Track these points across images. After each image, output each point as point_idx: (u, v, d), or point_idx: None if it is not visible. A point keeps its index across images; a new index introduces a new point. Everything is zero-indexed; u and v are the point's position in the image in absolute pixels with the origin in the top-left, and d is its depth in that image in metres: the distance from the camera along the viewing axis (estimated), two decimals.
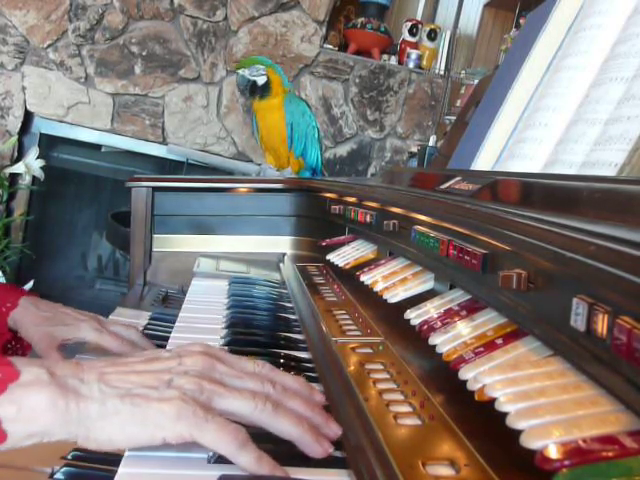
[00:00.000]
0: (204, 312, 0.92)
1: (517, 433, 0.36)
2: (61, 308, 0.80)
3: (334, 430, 0.50)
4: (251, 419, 0.48)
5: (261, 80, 1.73)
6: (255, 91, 1.75)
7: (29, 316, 0.78)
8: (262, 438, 0.50)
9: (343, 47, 3.18)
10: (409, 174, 1.20)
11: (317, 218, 1.33)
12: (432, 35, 3.24)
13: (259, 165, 2.82)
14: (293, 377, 0.55)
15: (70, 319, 0.78)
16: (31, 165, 2.71)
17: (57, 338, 0.76)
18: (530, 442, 0.35)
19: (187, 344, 0.55)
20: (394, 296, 0.73)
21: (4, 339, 0.79)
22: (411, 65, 3.15)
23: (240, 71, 1.76)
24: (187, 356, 0.51)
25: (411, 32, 3.20)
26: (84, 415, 0.44)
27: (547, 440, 0.34)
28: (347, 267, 0.97)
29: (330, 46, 3.08)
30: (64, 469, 0.50)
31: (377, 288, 0.77)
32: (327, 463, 0.48)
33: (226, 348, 0.64)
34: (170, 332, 0.81)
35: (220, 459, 0.48)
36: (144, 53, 2.89)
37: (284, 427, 0.48)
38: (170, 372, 0.49)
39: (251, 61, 1.78)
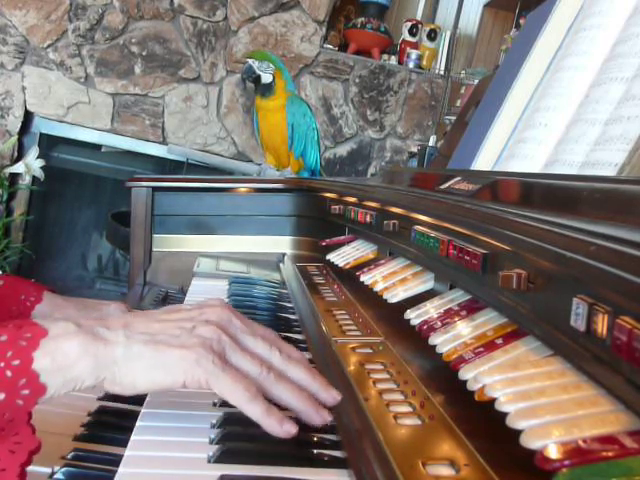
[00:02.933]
0: None
1: (517, 433, 0.36)
2: (85, 300, 0.83)
3: (333, 395, 0.52)
4: (255, 381, 0.50)
5: (266, 78, 1.72)
6: (257, 84, 1.75)
7: (59, 308, 0.80)
8: (263, 438, 0.50)
9: (343, 47, 3.18)
10: (409, 174, 1.20)
11: (317, 218, 1.33)
12: (432, 35, 3.24)
13: (259, 165, 2.82)
14: (294, 348, 0.57)
15: (99, 305, 0.81)
16: (31, 165, 2.71)
17: None
18: (530, 442, 0.35)
19: (206, 299, 0.58)
20: (394, 296, 0.73)
21: None
22: (411, 65, 3.15)
23: (250, 60, 1.75)
24: (207, 307, 0.54)
25: (411, 32, 3.20)
26: (111, 359, 0.46)
27: (547, 440, 0.34)
28: (347, 267, 0.97)
29: (330, 46, 3.08)
30: (64, 469, 0.50)
31: (377, 288, 0.77)
32: (327, 463, 0.48)
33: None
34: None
35: (220, 459, 0.48)
36: (144, 53, 2.89)
37: (284, 395, 0.50)
38: (192, 320, 0.51)
39: (263, 56, 1.76)
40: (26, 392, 0.43)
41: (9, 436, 0.45)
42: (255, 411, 0.47)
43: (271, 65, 1.73)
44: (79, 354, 0.45)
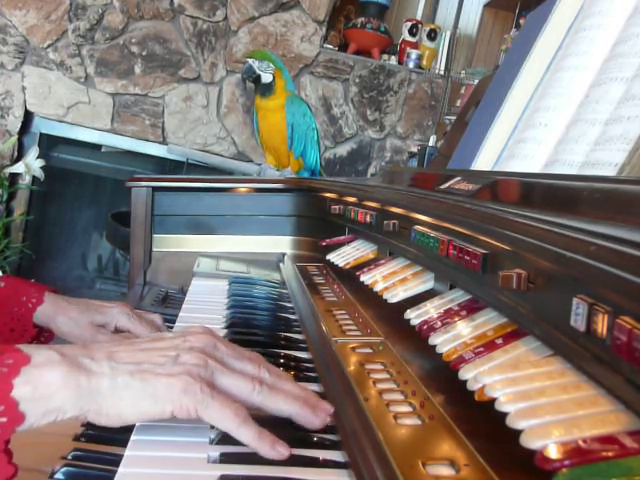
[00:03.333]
0: (204, 312, 0.92)
1: (517, 433, 0.36)
2: (88, 301, 0.82)
3: (327, 408, 0.52)
4: (249, 400, 0.50)
5: (266, 78, 1.73)
6: (257, 84, 1.75)
7: (63, 312, 0.78)
8: None
9: (343, 47, 3.18)
10: (409, 174, 1.20)
11: (317, 218, 1.33)
12: (432, 35, 3.24)
13: (259, 165, 2.82)
14: (282, 371, 0.57)
15: (102, 307, 0.80)
16: (31, 165, 2.71)
17: (97, 326, 0.78)
18: (530, 442, 0.35)
19: (188, 326, 0.57)
20: (394, 296, 0.73)
21: (29, 335, 0.79)
22: (411, 65, 3.15)
23: (250, 60, 1.75)
24: (191, 334, 0.53)
25: (411, 32, 3.20)
26: (95, 391, 0.45)
27: (547, 440, 0.34)
28: (347, 267, 0.97)
29: (330, 46, 3.08)
30: (64, 469, 0.50)
31: (377, 288, 0.77)
32: (327, 463, 0.48)
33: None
34: (170, 332, 0.81)
35: (220, 459, 0.48)
36: (144, 53, 2.89)
37: (281, 405, 0.50)
38: (176, 348, 0.51)
39: (264, 55, 1.77)
40: (3, 420, 0.42)
41: None
42: (247, 435, 0.46)
43: (271, 65, 1.73)
44: (61, 384, 0.44)
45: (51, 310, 0.79)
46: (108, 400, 0.45)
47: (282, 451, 0.46)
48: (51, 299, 0.80)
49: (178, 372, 0.47)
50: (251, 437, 0.46)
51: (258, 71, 1.73)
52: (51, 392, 0.44)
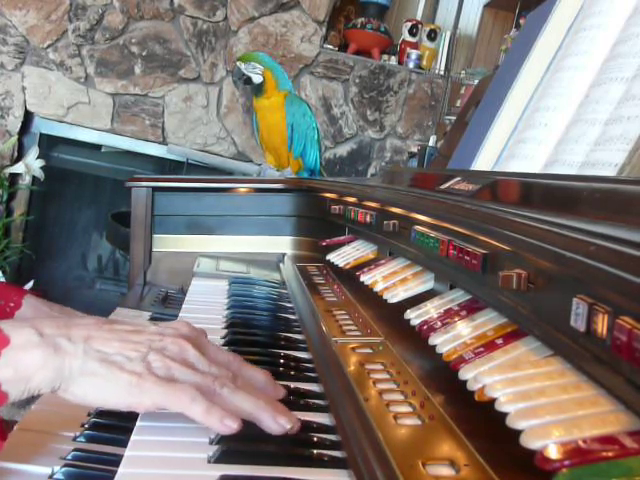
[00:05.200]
0: (204, 312, 0.92)
1: (517, 433, 0.36)
2: (72, 311, 0.82)
3: (281, 423, 0.50)
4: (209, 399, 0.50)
5: (256, 79, 1.76)
6: (251, 85, 1.79)
7: (43, 315, 0.79)
8: (263, 437, 0.50)
9: (343, 47, 3.18)
10: (409, 174, 1.20)
11: (317, 218, 1.33)
12: (432, 35, 3.24)
13: (259, 165, 2.83)
14: (259, 370, 0.58)
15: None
16: (31, 165, 2.71)
17: None
18: (530, 442, 0.35)
19: (177, 322, 0.59)
20: (394, 296, 0.73)
21: (6, 340, 0.79)
22: (411, 65, 3.15)
23: (238, 63, 1.80)
24: (169, 336, 0.55)
25: (411, 32, 3.20)
26: (67, 370, 0.48)
27: (547, 440, 0.34)
28: (347, 267, 0.97)
29: (330, 46, 3.08)
30: (64, 469, 0.50)
31: (377, 288, 0.77)
32: (327, 463, 0.48)
33: (226, 348, 0.64)
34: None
35: (220, 459, 0.48)
36: (144, 53, 2.89)
37: (240, 404, 0.50)
38: (149, 347, 0.52)
39: (251, 57, 1.81)
40: None
41: None
42: (196, 412, 0.48)
43: (258, 65, 1.76)
44: (40, 366, 0.47)
45: (30, 314, 0.79)
46: (76, 381, 0.48)
47: (230, 424, 0.48)
48: (31, 304, 0.81)
49: (140, 371, 0.50)
50: (200, 413, 0.48)
51: (247, 73, 1.77)
52: (30, 374, 0.47)
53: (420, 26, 3.23)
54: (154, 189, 1.34)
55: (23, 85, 2.84)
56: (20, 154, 2.85)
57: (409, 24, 3.21)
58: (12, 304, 0.79)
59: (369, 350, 0.65)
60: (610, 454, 0.32)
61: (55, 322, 0.52)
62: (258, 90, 1.77)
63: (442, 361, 0.51)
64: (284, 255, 1.32)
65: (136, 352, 0.51)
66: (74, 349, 0.49)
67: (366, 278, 0.81)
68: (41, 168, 2.73)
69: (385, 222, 0.84)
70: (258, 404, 0.51)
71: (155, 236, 1.35)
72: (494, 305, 0.54)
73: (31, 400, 0.59)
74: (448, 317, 0.57)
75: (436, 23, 3.38)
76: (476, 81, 2.78)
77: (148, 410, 0.49)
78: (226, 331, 0.81)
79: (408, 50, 3.17)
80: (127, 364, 0.50)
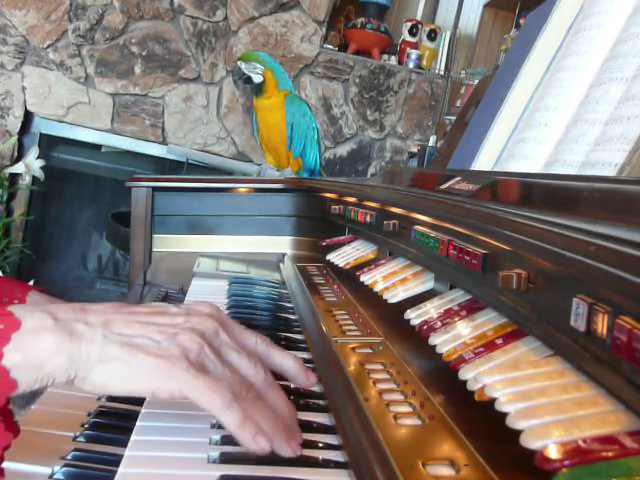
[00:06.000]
0: None
1: (517, 433, 0.36)
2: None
3: (293, 446, 0.48)
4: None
5: (257, 78, 1.77)
6: (251, 84, 1.80)
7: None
8: None
9: (343, 47, 3.18)
10: (409, 174, 1.20)
11: (317, 218, 1.33)
12: (432, 35, 3.24)
13: (259, 165, 2.83)
14: (292, 356, 0.55)
15: None
16: (31, 165, 2.71)
17: None
18: (530, 442, 0.35)
19: (196, 302, 0.55)
20: (394, 296, 0.73)
21: None
22: (411, 65, 3.15)
23: (239, 63, 1.80)
24: (195, 315, 0.51)
25: (411, 32, 3.20)
26: (85, 358, 0.45)
27: (547, 440, 0.34)
28: (347, 267, 0.97)
29: (330, 46, 3.08)
30: (64, 469, 0.50)
31: (377, 288, 0.77)
32: (327, 463, 0.48)
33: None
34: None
35: (220, 459, 0.48)
36: (144, 53, 2.89)
37: (258, 418, 0.47)
38: (175, 327, 0.49)
39: (251, 57, 1.81)
40: None
41: None
42: (230, 420, 0.45)
43: (259, 65, 1.76)
44: (53, 352, 0.44)
45: None
46: (95, 369, 0.45)
47: (263, 445, 0.45)
48: (36, 300, 0.78)
49: (169, 353, 0.46)
50: (234, 423, 0.45)
51: (247, 72, 1.78)
52: (42, 360, 0.43)
53: (420, 26, 3.23)
54: (154, 189, 1.34)
55: (23, 85, 2.84)
56: (20, 154, 2.85)
57: (409, 24, 3.22)
58: (16, 301, 0.77)
59: (369, 350, 0.65)
60: (610, 454, 0.32)
61: (71, 306, 0.48)
62: (258, 90, 1.78)
63: (442, 361, 0.51)
64: (284, 255, 1.32)
65: (161, 334, 0.48)
66: (92, 334, 0.45)
67: (366, 278, 0.81)
68: (41, 168, 2.73)
69: (385, 222, 0.84)
70: (276, 424, 0.47)
71: (155, 236, 1.35)
72: (494, 305, 0.54)
73: (31, 400, 0.59)
74: (448, 317, 0.57)
75: (436, 23, 3.39)
76: (476, 81, 2.78)
77: (173, 398, 0.45)
78: None
79: (408, 50, 3.17)
80: (152, 347, 0.46)
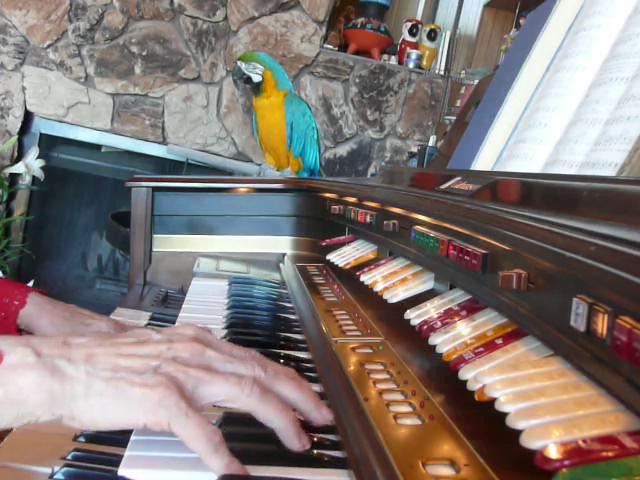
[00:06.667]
0: (204, 312, 0.92)
1: (517, 433, 0.36)
2: (77, 308, 0.80)
3: (324, 415, 0.50)
4: (239, 404, 0.48)
5: (256, 78, 1.78)
6: (250, 84, 1.81)
7: (46, 315, 0.76)
8: (264, 438, 0.50)
9: (343, 47, 3.18)
10: (409, 174, 1.20)
11: (317, 218, 1.33)
12: (432, 35, 3.24)
13: (259, 165, 2.82)
14: (284, 367, 0.54)
15: (89, 319, 0.77)
16: (31, 165, 2.71)
17: None
18: (530, 442, 0.35)
19: (179, 326, 0.54)
20: (394, 296, 0.73)
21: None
22: (411, 65, 3.15)
23: (239, 62, 1.82)
24: (177, 341, 0.50)
25: (411, 32, 3.20)
26: (69, 396, 0.44)
27: (547, 440, 0.34)
28: (347, 267, 0.97)
29: (330, 46, 3.08)
30: (64, 469, 0.50)
31: (377, 288, 0.77)
32: (327, 463, 0.48)
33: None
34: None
35: None
36: (144, 53, 2.89)
37: (269, 415, 0.48)
38: (158, 358, 0.48)
39: (251, 57, 1.82)
40: None
41: None
42: (216, 464, 0.44)
43: (258, 65, 1.77)
44: (34, 389, 0.43)
45: (34, 312, 0.76)
46: (81, 406, 0.44)
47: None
48: (35, 301, 0.77)
49: (155, 383, 0.45)
50: (220, 466, 0.44)
51: (247, 72, 1.79)
52: (23, 397, 0.43)
53: (420, 26, 3.23)
54: (154, 189, 1.34)
55: (23, 85, 2.84)
56: (20, 154, 2.85)
57: (409, 24, 3.21)
58: (17, 302, 0.77)
59: (369, 350, 0.65)
60: (610, 454, 0.33)
61: (54, 341, 0.47)
62: (257, 90, 1.78)
63: (442, 361, 0.51)
64: (284, 255, 1.32)
65: (145, 366, 0.47)
66: (75, 371, 0.45)
67: (366, 278, 0.81)
68: (41, 168, 2.73)
69: (385, 222, 0.84)
70: (284, 420, 0.47)
71: (155, 236, 1.35)
72: (494, 305, 0.54)
73: None
74: (448, 317, 0.57)
75: (436, 23, 3.38)
76: (476, 81, 2.78)
77: (164, 430, 0.44)
78: (226, 331, 0.81)
79: (408, 50, 3.17)
80: (137, 378, 0.45)
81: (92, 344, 0.48)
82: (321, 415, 0.50)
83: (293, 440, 0.48)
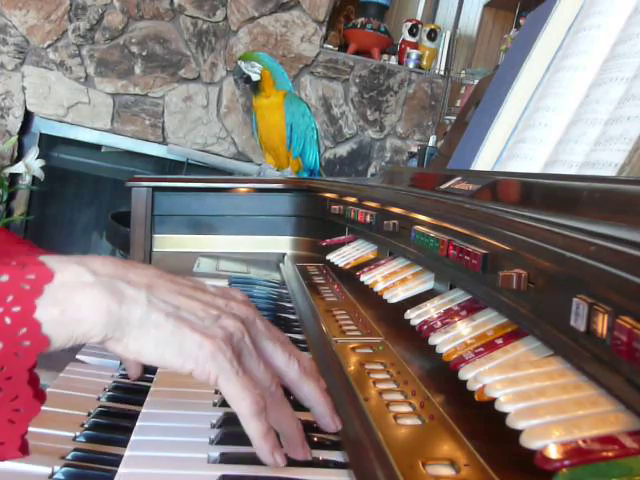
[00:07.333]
0: None
1: (517, 433, 0.36)
2: None
3: (336, 423, 0.50)
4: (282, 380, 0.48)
5: (255, 77, 1.79)
6: (250, 83, 1.83)
7: None
8: None
9: (343, 47, 3.18)
10: (409, 174, 1.20)
11: (317, 218, 1.33)
12: (432, 35, 3.24)
13: (259, 165, 2.83)
14: (306, 358, 0.54)
15: None
16: (31, 165, 2.71)
17: None
18: (530, 442, 0.35)
19: (226, 287, 0.53)
20: (394, 296, 0.73)
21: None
22: (411, 65, 3.15)
23: (239, 62, 1.84)
24: (233, 300, 0.49)
25: (411, 32, 3.20)
26: (125, 319, 0.41)
27: (547, 440, 0.34)
28: (347, 267, 0.97)
29: (330, 46, 3.08)
30: (64, 469, 0.50)
31: (377, 288, 0.77)
32: (327, 463, 0.48)
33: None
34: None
35: (220, 459, 0.48)
36: (144, 53, 2.89)
37: (278, 418, 0.47)
38: (218, 309, 0.47)
39: (251, 56, 1.84)
40: (27, 343, 0.38)
41: (7, 400, 0.39)
42: (255, 429, 0.43)
43: (257, 64, 1.78)
44: (93, 309, 0.40)
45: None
46: (134, 332, 0.42)
47: (279, 460, 0.44)
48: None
49: (214, 334, 0.43)
50: (258, 433, 0.43)
51: (246, 72, 1.80)
52: (81, 317, 0.40)
53: (420, 26, 3.23)
54: (154, 189, 1.34)
55: (23, 85, 2.84)
56: (20, 154, 2.85)
57: (409, 24, 3.22)
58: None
59: (369, 350, 0.65)
60: (610, 454, 0.32)
61: (111, 263, 0.44)
62: (256, 89, 1.79)
63: (442, 361, 0.51)
64: (284, 255, 1.32)
65: (205, 312, 0.45)
66: (136, 294, 0.42)
67: (366, 278, 0.81)
68: (41, 168, 2.73)
69: (385, 222, 0.84)
70: (293, 428, 0.47)
71: (155, 236, 1.35)
72: (494, 305, 0.54)
73: None
74: (448, 317, 0.57)
75: (436, 23, 3.39)
76: (476, 81, 2.78)
77: (209, 381, 0.43)
78: None
79: (408, 50, 3.18)
80: (198, 322, 0.44)
81: (151, 275, 0.46)
82: (333, 423, 0.50)
83: (296, 449, 0.47)
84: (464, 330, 0.53)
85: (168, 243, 1.35)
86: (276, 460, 0.44)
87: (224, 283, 1.12)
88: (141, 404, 0.57)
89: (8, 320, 0.38)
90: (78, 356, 0.74)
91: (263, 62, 1.80)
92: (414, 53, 3.15)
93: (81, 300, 0.40)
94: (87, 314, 0.40)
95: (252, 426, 0.43)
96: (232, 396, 0.43)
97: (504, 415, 0.38)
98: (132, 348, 0.42)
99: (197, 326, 0.44)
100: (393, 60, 3.19)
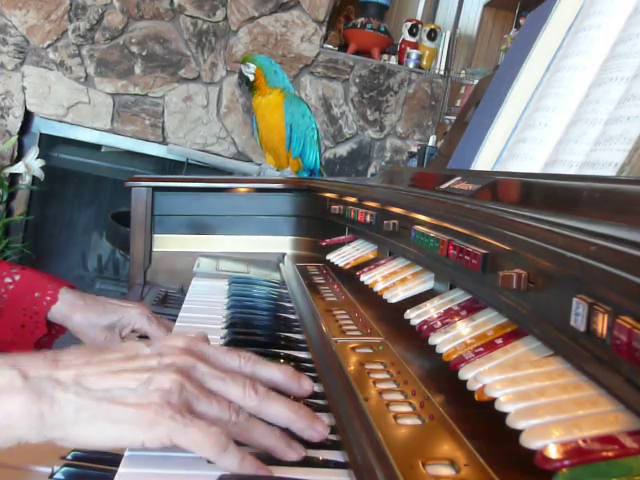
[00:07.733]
0: (204, 312, 0.92)
1: (517, 433, 0.36)
2: (105, 299, 0.81)
3: (319, 431, 0.49)
4: (226, 427, 0.47)
5: (251, 77, 1.80)
6: (249, 85, 1.84)
7: (79, 310, 0.78)
8: None
9: (343, 47, 3.18)
10: (409, 174, 1.20)
11: (317, 218, 1.33)
12: (432, 35, 3.24)
13: (259, 165, 2.83)
14: (279, 367, 0.54)
15: (120, 308, 0.80)
16: (31, 165, 2.71)
17: (115, 331, 0.78)
18: (530, 442, 0.35)
19: (169, 336, 0.54)
20: (394, 296, 0.73)
21: (40, 332, 0.78)
22: (411, 65, 3.15)
23: (240, 65, 1.85)
24: (167, 354, 0.49)
25: (411, 32, 3.20)
26: (59, 420, 0.43)
27: (547, 440, 0.34)
28: (347, 267, 0.97)
29: (330, 46, 3.08)
30: (64, 469, 0.50)
31: (377, 288, 0.77)
32: (327, 463, 0.48)
33: (225, 349, 0.64)
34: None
35: None
36: (144, 53, 2.89)
37: (256, 438, 0.47)
38: (150, 370, 0.47)
39: (247, 58, 1.88)
40: None
41: None
42: (229, 464, 0.44)
43: (252, 65, 1.80)
44: (22, 414, 0.42)
45: (66, 309, 0.78)
46: (74, 428, 0.43)
47: (267, 474, 0.45)
48: (67, 298, 0.79)
49: (150, 400, 0.44)
50: (233, 465, 0.44)
51: (245, 74, 1.82)
52: (11, 422, 0.42)
53: (420, 26, 3.23)
54: (154, 189, 1.34)
55: (23, 85, 2.84)
56: (20, 154, 2.85)
57: (409, 24, 3.22)
58: (49, 298, 0.77)
59: (369, 350, 0.65)
60: (610, 454, 0.33)
61: (41, 361, 0.46)
62: (252, 88, 1.80)
63: (442, 361, 0.51)
64: (284, 255, 1.32)
65: (136, 381, 0.46)
66: (64, 393, 0.44)
67: (366, 278, 0.81)
68: (41, 168, 2.73)
69: (385, 222, 0.84)
70: (273, 436, 0.47)
71: (155, 236, 1.35)
72: (494, 305, 0.54)
73: None
74: (448, 317, 0.57)
75: (436, 23, 3.38)
76: (476, 81, 2.78)
77: (164, 445, 0.43)
78: (226, 331, 0.81)
79: (408, 50, 3.17)
80: (130, 395, 0.45)
81: (80, 364, 0.47)
82: (316, 432, 0.49)
83: (286, 452, 0.47)
84: (464, 330, 0.53)
85: (168, 243, 1.35)
86: (263, 474, 0.45)
87: (224, 283, 1.12)
88: None
89: None
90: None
91: (256, 61, 1.82)
92: (414, 53, 3.15)
93: (10, 407, 0.42)
94: (18, 419, 0.42)
95: (225, 463, 0.44)
96: (192, 447, 0.44)
97: (504, 415, 0.38)
98: (80, 442, 0.44)
99: (130, 399, 0.44)
100: (393, 60, 3.19)
